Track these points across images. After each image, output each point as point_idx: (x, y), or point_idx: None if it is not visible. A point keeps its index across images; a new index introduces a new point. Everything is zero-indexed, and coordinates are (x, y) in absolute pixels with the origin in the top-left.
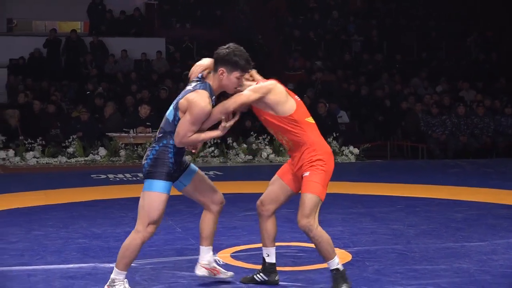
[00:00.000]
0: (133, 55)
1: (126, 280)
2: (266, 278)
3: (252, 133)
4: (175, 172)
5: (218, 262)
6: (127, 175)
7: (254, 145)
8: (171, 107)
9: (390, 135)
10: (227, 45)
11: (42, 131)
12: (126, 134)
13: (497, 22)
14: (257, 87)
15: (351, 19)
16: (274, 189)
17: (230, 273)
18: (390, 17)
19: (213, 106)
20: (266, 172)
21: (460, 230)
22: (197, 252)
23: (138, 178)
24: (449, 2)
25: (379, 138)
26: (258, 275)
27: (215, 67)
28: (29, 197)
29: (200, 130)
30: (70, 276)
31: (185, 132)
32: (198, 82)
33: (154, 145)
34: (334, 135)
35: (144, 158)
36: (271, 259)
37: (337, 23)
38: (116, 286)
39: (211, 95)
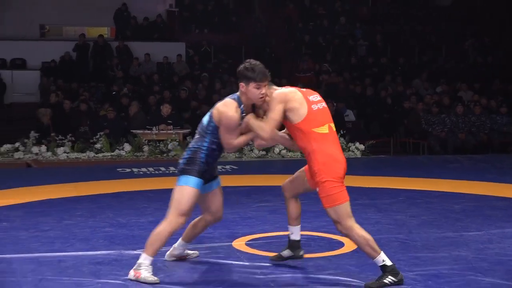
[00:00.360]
0: (155, 58)
1: (151, 266)
2: (292, 253)
3: None
4: (206, 172)
5: (188, 254)
6: (150, 169)
7: None
8: (208, 112)
9: (393, 132)
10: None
11: (71, 129)
12: (149, 131)
13: (493, 28)
14: (274, 98)
15: (358, 25)
16: (296, 179)
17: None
18: (393, 24)
19: (242, 114)
20: (278, 167)
21: (459, 221)
22: (213, 240)
23: (160, 171)
24: (448, 10)
25: (383, 135)
26: (284, 251)
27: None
28: (60, 189)
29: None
30: (98, 262)
31: (226, 141)
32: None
33: (190, 145)
34: (341, 132)
35: (181, 157)
36: (294, 236)
37: (344, 28)
38: (141, 270)
39: (239, 104)
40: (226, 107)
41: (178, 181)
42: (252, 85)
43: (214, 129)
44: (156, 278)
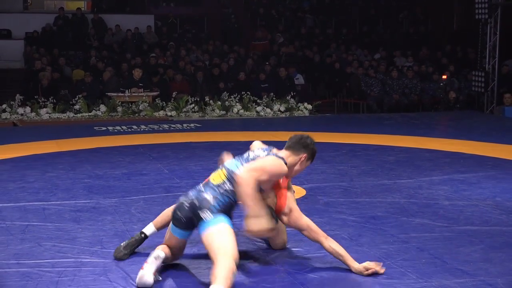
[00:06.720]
0: (127, 28)
1: None
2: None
3: (225, 92)
4: None
5: None
6: (123, 127)
7: (227, 102)
8: None
9: (337, 93)
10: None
11: (53, 92)
12: (123, 94)
13: (424, 1)
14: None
15: None
16: None
17: None
18: None
19: None
20: (237, 124)
21: (393, 170)
22: (181, 189)
23: (132, 129)
24: None
25: (328, 96)
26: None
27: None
28: (43, 146)
29: None
30: (78, 209)
31: None
32: None
33: None
34: (292, 93)
35: None
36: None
37: (294, 2)
38: None
39: None
40: None
41: None
42: (307, 163)
43: None
44: None
